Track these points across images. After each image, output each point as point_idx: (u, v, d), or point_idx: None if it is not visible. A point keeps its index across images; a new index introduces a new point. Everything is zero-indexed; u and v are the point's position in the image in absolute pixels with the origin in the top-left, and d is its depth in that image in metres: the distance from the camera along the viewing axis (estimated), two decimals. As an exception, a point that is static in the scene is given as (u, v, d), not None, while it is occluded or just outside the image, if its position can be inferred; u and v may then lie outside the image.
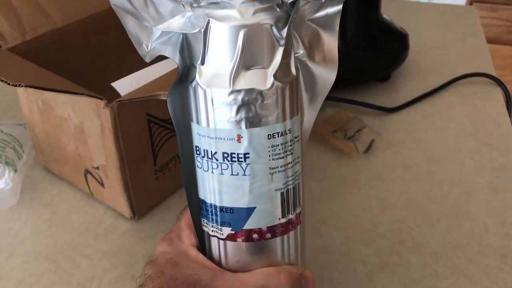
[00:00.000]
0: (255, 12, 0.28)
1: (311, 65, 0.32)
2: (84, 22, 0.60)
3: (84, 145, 0.52)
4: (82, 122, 0.50)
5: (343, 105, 0.71)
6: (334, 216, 0.55)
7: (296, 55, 0.31)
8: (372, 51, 0.72)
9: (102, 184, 0.54)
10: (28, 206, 0.56)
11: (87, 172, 0.54)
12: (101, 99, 0.45)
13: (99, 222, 0.54)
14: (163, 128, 0.52)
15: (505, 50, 1.95)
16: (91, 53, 0.62)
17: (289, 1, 0.30)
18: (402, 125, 0.69)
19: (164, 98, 0.41)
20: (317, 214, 0.55)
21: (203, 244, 0.34)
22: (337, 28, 0.32)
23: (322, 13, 0.31)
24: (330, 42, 0.32)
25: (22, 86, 0.38)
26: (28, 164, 0.59)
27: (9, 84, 0.39)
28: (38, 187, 0.59)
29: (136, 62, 0.57)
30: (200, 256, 0.33)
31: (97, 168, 0.52)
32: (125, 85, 0.51)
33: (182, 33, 0.31)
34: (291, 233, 0.33)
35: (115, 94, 0.56)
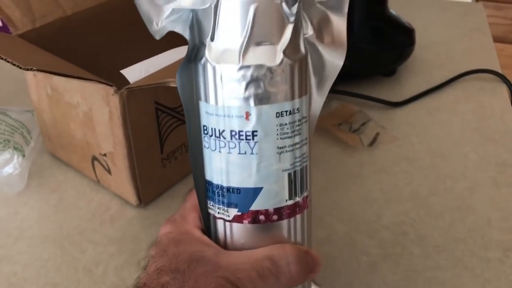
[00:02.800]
0: None
1: (320, 47, 0.32)
2: (93, 10, 0.60)
3: (92, 132, 0.52)
4: (90, 109, 0.50)
5: (349, 99, 0.71)
6: (338, 207, 0.55)
7: (305, 36, 0.31)
8: (378, 45, 0.72)
9: (109, 171, 0.54)
10: (35, 191, 0.57)
11: (94, 159, 0.55)
12: (111, 85, 0.45)
13: (106, 208, 0.55)
14: (170, 117, 0.52)
15: (510, 49, 1.95)
16: (100, 41, 0.62)
17: None
18: (407, 119, 0.69)
19: (174, 85, 0.42)
20: (322, 205, 0.55)
21: (208, 228, 0.34)
22: (346, 10, 0.32)
23: None
24: (339, 24, 0.32)
25: (33, 70, 0.39)
26: (36, 150, 0.60)
27: (20, 68, 0.39)
28: (45, 173, 0.60)
29: (145, 50, 0.57)
30: (205, 237, 0.33)
31: (105, 155, 0.53)
32: (134, 73, 0.52)
33: (192, 11, 0.31)
34: (298, 216, 0.33)
35: (124, 82, 0.56)
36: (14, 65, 0.40)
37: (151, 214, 0.54)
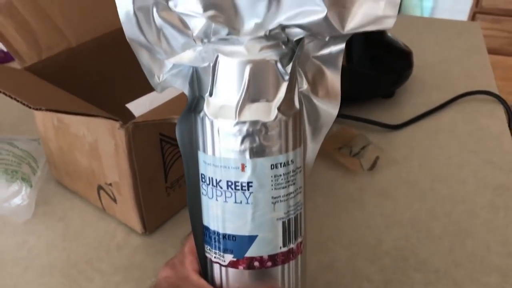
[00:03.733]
0: (262, 48, 0.30)
1: (314, 99, 0.34)
2: (97, 41, 0.62)
3: (98, 162, 0.53)
4: (96, 140, 0.52)
5: (348, 122, 0.72)
6: (340, 233, 0.56)
7: (300, 90, 0.33)
8: (377, 69, 0.74)
9: (114, 200, 0.55)
10: (42, 220, 0.58)
11: (100, 188, 0.56)
12: (116, 120, 0.47)
13: (111, 237, 0.56)
14: (174, 147, 0.53)
15: (508, 61, 1.97)
16: (104, 71, 0.63)
17: (294, 39, 0.32)
18: (406, 142, 0.70)
19: (178, 122, 0.43)
20: (323, 231, 0.56)
21: (205, 270, 0.35)
22: (340, 64, 0.33)
23: (326, 51, 0.33)
24: (333, 78, 0.33)
25: (42, 110, 0.40)
26: (42, 178, 0.61)
27: (30, 107, 0.40)
28: (51, 201, 0.61)
29: (147, 80, 0.59)
30: (202, 281, 0.34)
31: (110, 184, 0.54)
32: (139, 106, 0.53)
33: (192, 66, 0.32)
34: (292, 262, 0.34)
35: (129, 112, 0.57)
36: (23, 104, 0.41)
37: (156, 242, 0.55)
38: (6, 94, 0.42)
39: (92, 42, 0.61)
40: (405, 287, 0.50)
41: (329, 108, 0.34)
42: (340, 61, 0.33)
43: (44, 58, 0.57)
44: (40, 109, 0.40)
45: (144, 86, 0.59)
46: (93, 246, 0.55)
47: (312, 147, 0.34)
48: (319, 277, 0.51)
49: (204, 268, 0.35)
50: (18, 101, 0.41)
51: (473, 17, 1.98)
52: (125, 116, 0.52)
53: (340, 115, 0.71)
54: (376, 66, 0.73)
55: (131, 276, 0.51)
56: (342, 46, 0.32)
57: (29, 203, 0.55)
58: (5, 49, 0.82)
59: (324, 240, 0.55)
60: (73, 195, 0.61)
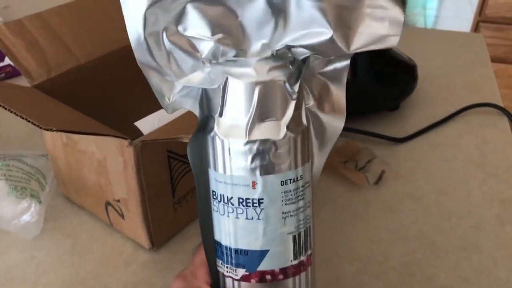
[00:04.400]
0: (270, 69, 0.31)
1: (320, 115, 0.34)
2: (105, 58, 0.62)
3: (106, 179, 0.54)
4: (105, 158, 0.52)
5: (353, 135, 0.73)
6: (346, 248, 0.56)
7: (306, 106, 0.34)
8: (382, 83, 0.74)
9: (122, 216, 0.56)
10: (51, 235, 0.59)
11: (108, 204, 0.56)
12: (125, 138, 0.47)
13: (119, 252, 0.56)
14: (182, 163, 0.54)
15: (511, 69, 1.97)
16: (112, 88, 0.64)
17: (300, 58, 0.32)
18: (411, 155, 0.71)
19: (186, 141, 0.44)
20: (329, 246, 0.56)
21: (217, 284, 0.36)
22: (345, 80, 0.34)
23: (330, 67, 0.34)
24: (339, 93, 0.34)
25: (53, 131, 0.41)
26: (51, 194, 0.62)
27: (41, 128, 0.41)
28: (59, 217, 0.61)
29: (155, 96, 0.59)
30: None
31: (118, 200, 0.55)
32: (147, 124, 0.54)
33: (202, 88, 0.33)
34: (303, 274, 0.34)
35: (136, 127, 0.58)
36: (34, 124, 0.41)
37: (164, 258, 0.56)
38: (17, 114, 0.42)
39: (100, 59, 0.62)
40: (411, 303, 0.50)
41: (335, 123, 0.34)
42: (345, 77, 0.34)
43: (53, 76, 0.58)
44: (51, 130, 0.41)
45: (151, 102, 0.60)
46: (101, 262, 0.55)
47: (319, 160, 0.35)
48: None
49: (216, 282, 0.36)
50: (29, 121, 0.41)
51: (476, 25, 1.98)
52: (132, 132, 0.53)
53: (345, 129, 0.72)
54: (381, 79, 0.74)
55: (139, 292, 0.52)
56: (347, 62, 0.33)
57: (38, 220, 0.55)
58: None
59: (330, 255, 0.55)
60: (81, 211, 0.62)
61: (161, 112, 0.55)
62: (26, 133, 0.76)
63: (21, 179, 0.57)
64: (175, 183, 0.54)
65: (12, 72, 0.89)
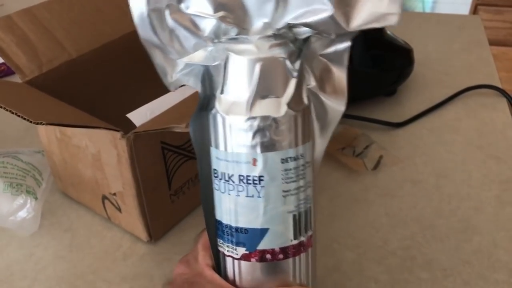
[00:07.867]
0: (271, 46, 0.31)
1: (322, 96, 0.34)
2: (97, 52, 0.62)
3: (101, 173, 0.54)
4: (99, 151, 0.52)
5: (350, 121, 0.72)
6: (345, 234, 0.56)
7: (308, 87, 0.33)
8: (378, 68, 0.73)
9: (119, 209, 0.55)
10: (48, 231, 0.58)
11: (104, 198, 0.56)
12: (118, 130, 0.47)
13: (117, 246, 0.56)
14: (176, 154, 0.54)
15: (511, 52, 1.96)
16: (105, 81, 0.64)
17: (301, 38, 0.32)
18: (409, 139, 0.70)
19: (178, 131, 0.43)
20: (329, 233, 0.56)
21: (218, 264, 0.36)
22: (346, 62, 0.34)
23: (332, 49, 0.33)
24: (340, 75, 0.34)
25: (43, 124, 0.40)
26: (47, 190, 0.61)
27: (31, 122, 0.41)
28: (57, 212, 0.61)
29: (147, 88, 0.59)
30: (216, 276, 0.35)
31: (114, 194, 0.54)
32: (140, 116, 0.53)
33: (204, 65, 0.33)
34: (303, 255, 0.35)
35: (129, 121, 0.58)
36: (24, 119, 0.41)
37: (162, 250, 0.55)
38: (6, 109, 0.42)
39: (92, 53, 0.61)
40: (412, 287, 0.50)
41: (336, 105, 0.34)
42: (346, 58, 0.33)
43: (44, 71, 0.57)
44: (41, 123, 0.40)
45: (144, 95, 0.60)
46: (99, 256, 0.55)
47: (320, 143, 0.35)
48: (326, 280, 0.51)
49: (217, 262, 0.36)
50: (19, 115, 0.41)
51: (475, 8, 1.97)
52: (126, 126, 0.52)
53: (342, 115, 0.72)
54: (377, 64, 0.73)
55: (137, 285, 0.51)
56: (347, 43, 0.33)
57: (35, 216, 0.55)
58: (7, 62, 0.82)
59: (330, 242, 0.55)
60: (78, 206, 0.62)
61: (153, 104, 0.55)
62: (21, 131, 0.76)
63: (16, 176, 0.56)
64: (170, 175, 0.54)
65: (6, 71, 0.89)
